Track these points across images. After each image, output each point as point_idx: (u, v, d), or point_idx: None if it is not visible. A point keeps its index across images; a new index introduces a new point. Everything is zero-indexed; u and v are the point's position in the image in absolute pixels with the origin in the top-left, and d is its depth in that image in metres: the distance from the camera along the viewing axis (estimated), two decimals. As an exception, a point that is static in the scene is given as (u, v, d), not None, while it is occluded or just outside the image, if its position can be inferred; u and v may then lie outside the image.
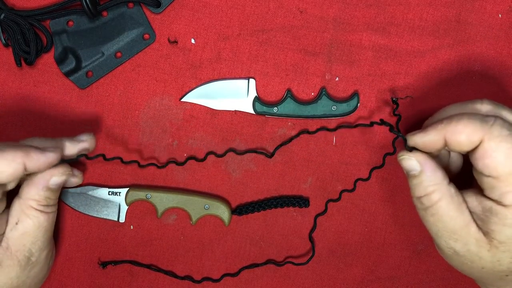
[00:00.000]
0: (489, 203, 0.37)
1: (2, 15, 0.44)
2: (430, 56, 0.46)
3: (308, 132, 0.46)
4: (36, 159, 0.38)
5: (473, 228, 0.37)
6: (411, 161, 0.39)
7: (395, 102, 0.45)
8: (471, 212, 0.38)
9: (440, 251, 0.41)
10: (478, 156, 0.36)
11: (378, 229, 0.48)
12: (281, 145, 0.46)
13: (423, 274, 0.48)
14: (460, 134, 0.36)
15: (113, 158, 0.44)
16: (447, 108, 0.41)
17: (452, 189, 0.38)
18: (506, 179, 0.35)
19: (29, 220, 0.39)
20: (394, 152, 0.45)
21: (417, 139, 0.39)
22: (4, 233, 0.39)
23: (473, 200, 0.38)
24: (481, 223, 0.37)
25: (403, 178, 0.47)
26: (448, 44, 0.47)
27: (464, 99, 0.46)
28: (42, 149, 0.39)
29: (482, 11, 0.46)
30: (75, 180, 0.45)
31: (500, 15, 0.46)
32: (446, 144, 0.38)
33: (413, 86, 0.47)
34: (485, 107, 0.39)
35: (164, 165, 0.46)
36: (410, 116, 0.47)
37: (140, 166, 0.45)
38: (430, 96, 0.47)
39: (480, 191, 0.38)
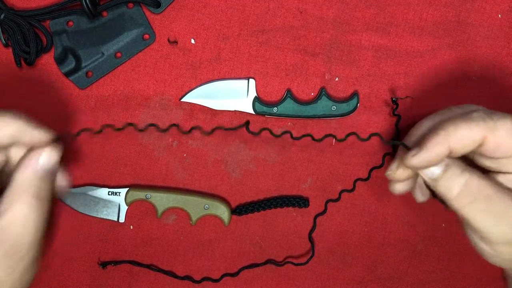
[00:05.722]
0: None
1: (2, 15, 0.44)
2: (430, 56, 0.47)
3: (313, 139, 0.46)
4: (33, 128, 0.37)
5: None
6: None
7: (395, 102, 0.45)
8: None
9: (492, 247, 0.38)
10: (490, 149, 0.37)
11: (378, 229, 0.48)
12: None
13: (423, 274, 0.48)
14: (464, 139, 0.36)
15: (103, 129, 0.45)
16: (425, 121, 0.41)
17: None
18: None
19: (14, 210, 0.35)
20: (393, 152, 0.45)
21: (423, 157, 0.37)
22: None
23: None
24: None
25: (403, 178, 0.47)
26: (447, 44, 0.47)
27: (464, 99, 0.47)
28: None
29: (482, 11, 0.46)
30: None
31: (500, 15, 0.47)
32: (449, 154, 0.37)
33: (413, 86, 0.47)
34: (455, 110, 0.40)
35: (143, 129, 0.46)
36: (410, 116, 0.47)
37: (138, 130, 0.46)
38: (430, 96, 0.47)
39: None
